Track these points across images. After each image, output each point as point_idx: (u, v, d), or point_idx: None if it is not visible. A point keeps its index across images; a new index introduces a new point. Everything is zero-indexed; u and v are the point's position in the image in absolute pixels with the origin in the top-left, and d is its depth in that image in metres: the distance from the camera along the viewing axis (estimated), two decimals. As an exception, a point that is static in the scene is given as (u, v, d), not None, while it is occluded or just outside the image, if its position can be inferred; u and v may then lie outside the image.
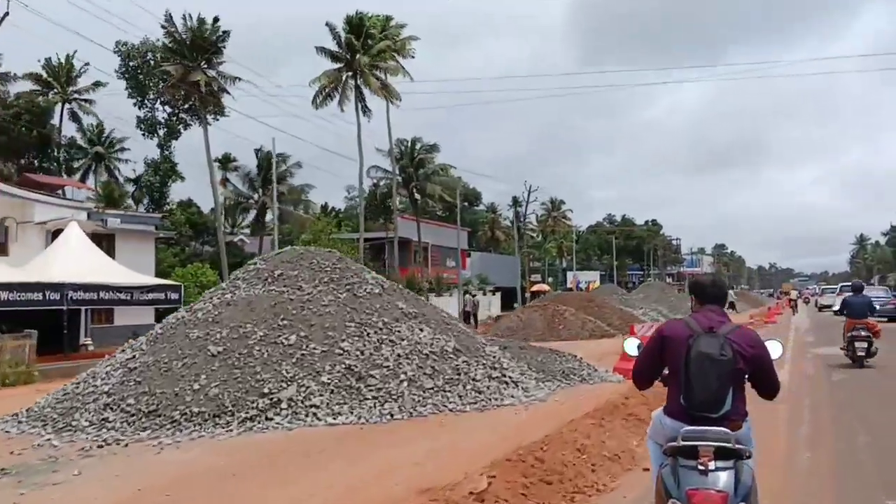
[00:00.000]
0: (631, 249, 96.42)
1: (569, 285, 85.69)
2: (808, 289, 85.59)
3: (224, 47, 36.95)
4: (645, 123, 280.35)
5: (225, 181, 48.97)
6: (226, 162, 48.69)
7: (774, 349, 3.83)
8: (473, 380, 10.39)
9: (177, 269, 36.69)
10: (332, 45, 41.51)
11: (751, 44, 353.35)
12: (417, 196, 51.69)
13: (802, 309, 48.32)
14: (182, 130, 44.01)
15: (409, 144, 51.14)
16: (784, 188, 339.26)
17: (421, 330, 11.01)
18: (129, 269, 22.05)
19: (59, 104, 45.21)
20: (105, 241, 26.26)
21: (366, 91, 42.24)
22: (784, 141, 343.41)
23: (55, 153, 43.84)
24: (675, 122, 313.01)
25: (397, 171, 51.23)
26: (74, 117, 46.80)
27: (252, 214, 49.93)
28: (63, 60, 45.64)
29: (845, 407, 9.64)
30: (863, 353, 13.84)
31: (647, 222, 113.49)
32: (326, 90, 41.14)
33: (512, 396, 10.36)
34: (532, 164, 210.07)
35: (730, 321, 3.72)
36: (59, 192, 35.20)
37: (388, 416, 9.04)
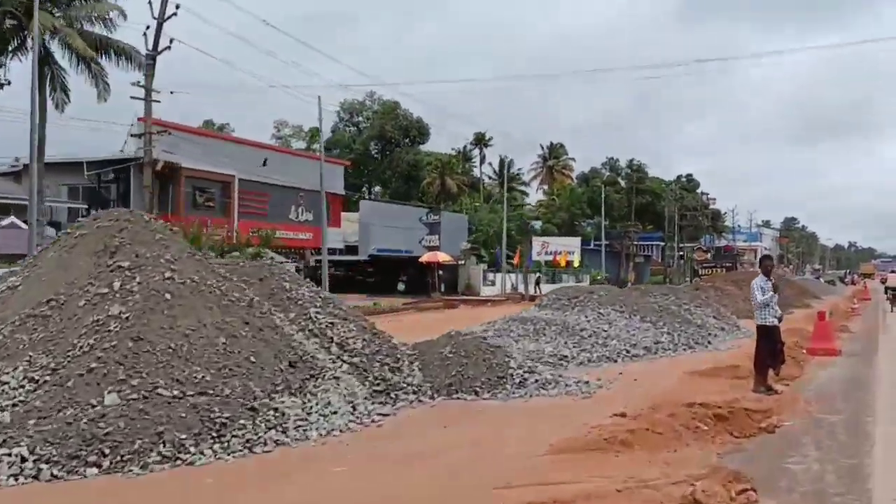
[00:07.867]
0: (640, 209, 67.19)
1: (535, 256, 57.59)
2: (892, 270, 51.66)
3: None
4: (735, 89, 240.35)
5: None
6: None
7: None
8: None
9: None
10: None
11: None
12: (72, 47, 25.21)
13: None
14: None
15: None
16: (879, 163, 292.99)
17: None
18: None
19: None
20: None
21: None
22: (887, 112, 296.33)
23: None
24: (770, 88, 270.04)
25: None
26: None
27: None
28: None
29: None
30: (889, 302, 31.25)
31: (679, 177, 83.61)
32: None
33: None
34: (612, 131, 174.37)
35: None
36: None
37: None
